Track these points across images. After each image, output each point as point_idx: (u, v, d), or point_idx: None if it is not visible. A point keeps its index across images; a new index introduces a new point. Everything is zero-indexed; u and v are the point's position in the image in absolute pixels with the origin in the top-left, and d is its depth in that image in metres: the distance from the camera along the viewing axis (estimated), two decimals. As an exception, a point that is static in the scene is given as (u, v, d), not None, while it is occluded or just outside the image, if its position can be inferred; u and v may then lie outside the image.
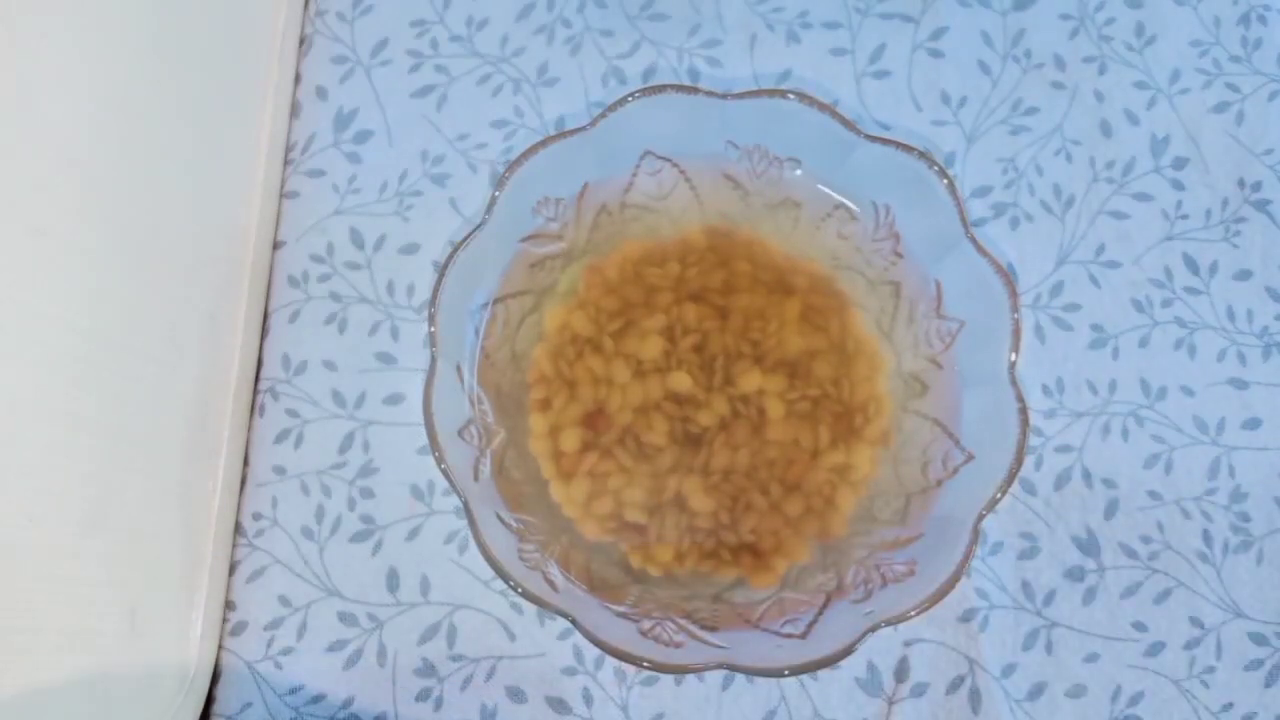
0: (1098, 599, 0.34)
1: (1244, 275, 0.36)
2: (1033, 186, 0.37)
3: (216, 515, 0.34)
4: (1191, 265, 0.37)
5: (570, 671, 0.34)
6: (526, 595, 0.28)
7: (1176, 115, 0.38)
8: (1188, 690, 0.33)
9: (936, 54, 0.38)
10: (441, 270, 0.31)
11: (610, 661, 0.34)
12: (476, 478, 0.31)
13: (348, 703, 0.34)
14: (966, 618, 0.34)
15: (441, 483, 0.35)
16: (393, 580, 0.35)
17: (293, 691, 0.34)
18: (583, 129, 0.32)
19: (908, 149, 0.31)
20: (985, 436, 0.31)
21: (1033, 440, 0.35)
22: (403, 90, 0.38)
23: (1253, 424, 0.35)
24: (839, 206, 0.34)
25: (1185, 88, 0.38)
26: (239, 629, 0.34)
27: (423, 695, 0.34)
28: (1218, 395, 0.35)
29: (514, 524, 0.31)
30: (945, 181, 0.31)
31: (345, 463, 0.35)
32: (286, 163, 0.38)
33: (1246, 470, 0.35)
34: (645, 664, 0.28)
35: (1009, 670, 0.34)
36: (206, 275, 0.34)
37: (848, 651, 0.28)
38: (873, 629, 0.28)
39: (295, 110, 0.38)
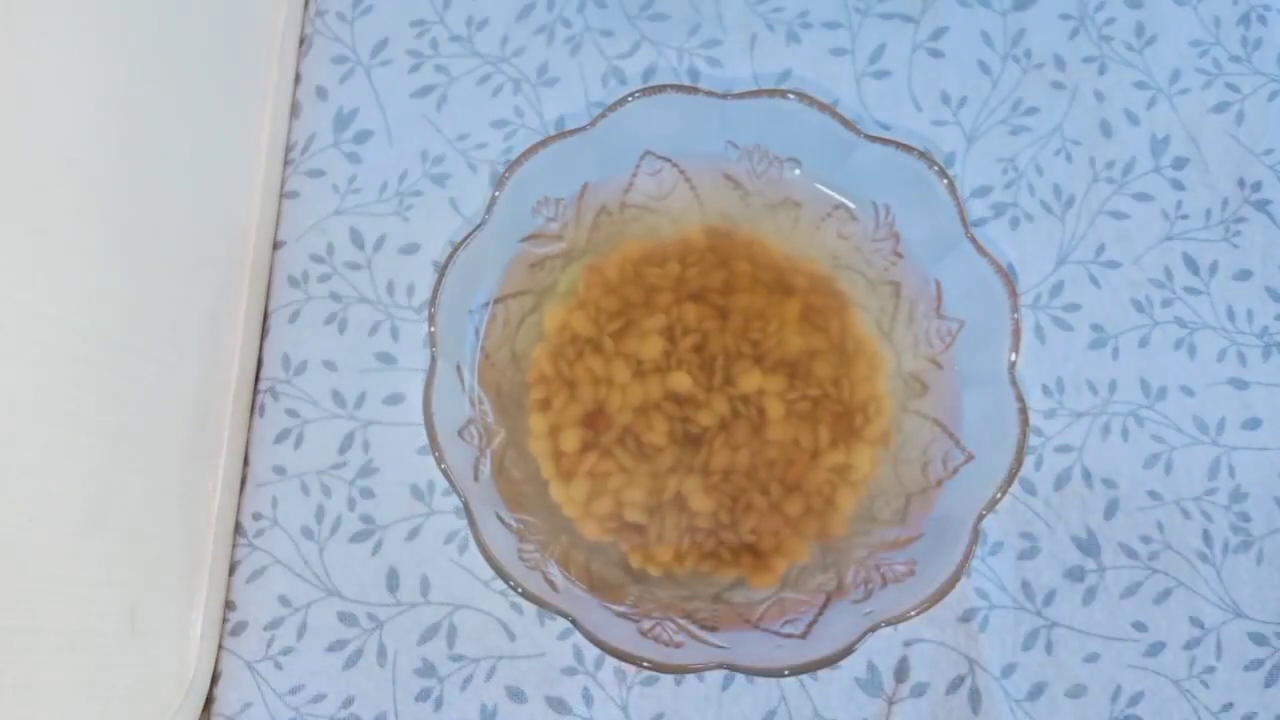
0: (1098, 599, 0.34)
1: (1244, 275, 0.36)
2: (1033, 186, 0.37)
3: (216, 515, 0.34)
4: (1191, 265, 0.36)
5: (570, 671, 0.34)
6: (526, 595, 0.28)
7: (1176, 115, 0.38)
8: (1188, 690, 0.33)
9: (936, 54, 0.38)
10: (441, 270, 0.31)
11: (610, 661, 0.34)
12: (476, 478, 0.31)
13: (348, 703, 0.34)
14: (966, 618, 0.34)
15: (441, 483, 0.35)
16: (393, 580, 0.35)
17: (293, 691, 0.34)
18: (583, 129, 0.32)
19: (908, 149, 0.31)
20: (985, 436, 0.31)
21: (1033, 440, 0.35)
22: (403, 90, 0.38)
23: (1253, 424, 0.35)
24: (839, 206, 0.34)
25: (1185, 88, 0.38)
26: (239, 629, 0.34)
27: (423, 695, 0.34)
28: (1218, 395, 0.35)
29: (514, 524, 0.31)
30: (945, 181, 0.31)
31: (345, 463, 0.35)
32: (286, 163, 0.38)
33: (1246, 470, 0.35)
34: (645, 664, 0.28)
35: (1009, 670, 0.34)
36: (206, 275, 0.34)
37: (848, 651, 0.28)
38: (873, 629, 0.28)
39: (295, 110, 0.38)
